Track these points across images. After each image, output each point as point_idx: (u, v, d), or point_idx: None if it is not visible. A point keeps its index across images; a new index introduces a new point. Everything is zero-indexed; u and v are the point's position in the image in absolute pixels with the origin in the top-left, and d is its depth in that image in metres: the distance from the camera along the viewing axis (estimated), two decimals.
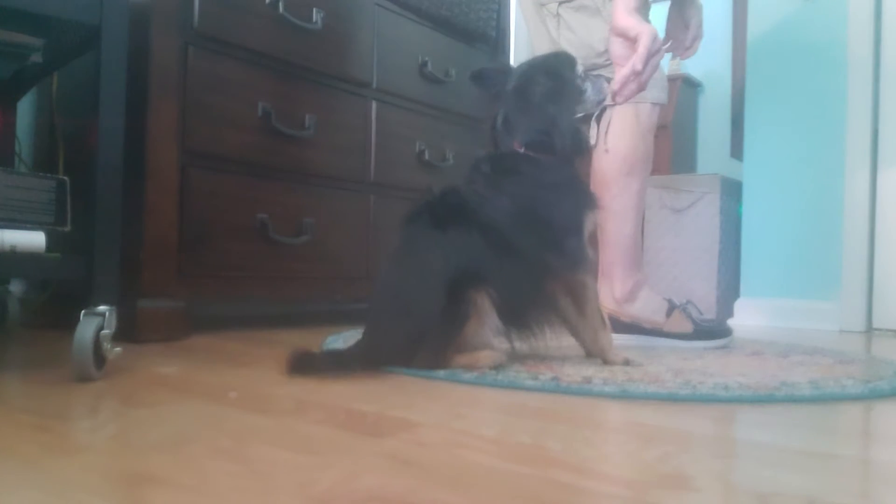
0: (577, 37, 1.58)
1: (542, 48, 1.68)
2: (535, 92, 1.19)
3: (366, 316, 1.16)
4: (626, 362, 1.16)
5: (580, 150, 1.23)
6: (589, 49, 1.56)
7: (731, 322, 2.45)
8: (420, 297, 1.07)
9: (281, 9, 1.60)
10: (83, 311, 0.94)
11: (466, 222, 1.10)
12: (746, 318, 2.46)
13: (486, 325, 1.07)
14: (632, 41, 1.24)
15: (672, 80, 3.32)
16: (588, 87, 1.26)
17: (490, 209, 1.12)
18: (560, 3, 1.58)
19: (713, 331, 1.54)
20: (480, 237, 1.09)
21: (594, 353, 1.20)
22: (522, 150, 1.18)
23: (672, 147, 3.21)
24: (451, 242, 1.08)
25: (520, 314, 1.14)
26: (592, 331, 1.18)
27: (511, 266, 1.10)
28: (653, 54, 1.23)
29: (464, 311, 1.05)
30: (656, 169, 2.84)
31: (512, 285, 1.10)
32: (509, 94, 1.21)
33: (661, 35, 1.45)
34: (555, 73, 1.21)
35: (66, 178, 1.13)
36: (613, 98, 1.30)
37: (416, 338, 1.07)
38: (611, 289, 1.54)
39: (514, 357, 1.17)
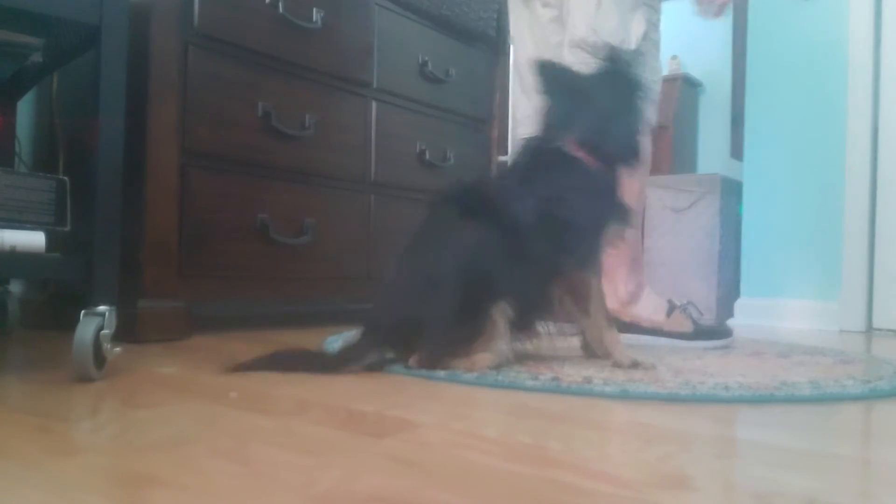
0: (614, 23, 1.52)
1: (524, 37, 1.68)
2: (607, 98, 1.19)
3: (377, 299, 1.15)
4: (635, 364, 1.13)
5: (633, 161, 1.22)
6: (621, 41, 1.51)
7: (731, 322, 2.46)
8: (433, 293, 1.05)
9: (281, 9, 1.60)
10: (83, 311, 0.94)
11: (490, 220, 1.09)
12: (746, 318, 2.46)
13: (499, 341, 1.06)
14: None
15: (672, 80, 3.33)
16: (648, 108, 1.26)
17: (516, 209, 1.10)
18: None
19: (714, 331, 1.54)
20: (502, 238, 1.08)
21: (601, 354, 1.19)
22: (572, 146, 1.17)
23: (672, 147, 3.21)
24: (473, 240, 1.07)
25: (529, 319, 1.13)
26: (598, 330, 1.18)
27: (527, 270, 1.09)
28: None
29: (480, 324, 1.04)
30: (657, 169, 2.84)
31: (525, 290, 1.09)
32: (578, 93, 1.21)
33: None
34: (628, 87, 1.22)
35: (66, 178, 1.12)
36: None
37: (420, 334, 1.06)
38: (614, 290, 1.54)
39: (514, 357, 1.17)
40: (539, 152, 1.21)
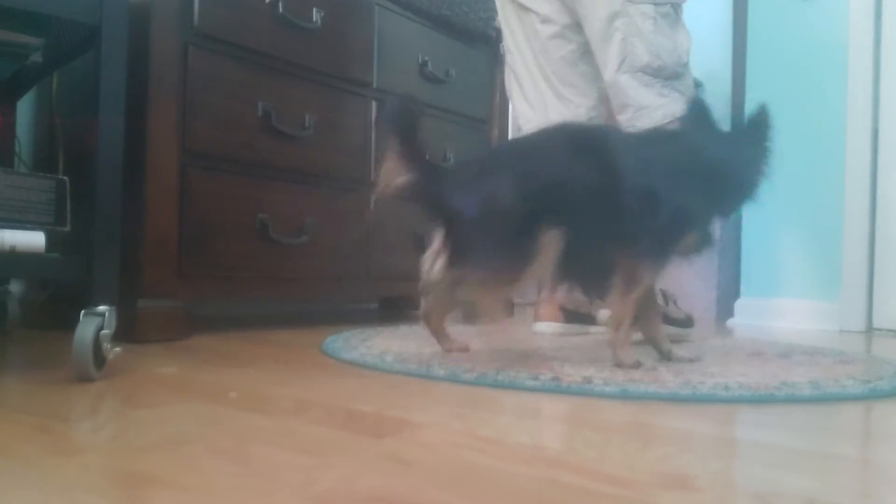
0: (669, 43, 1.57)
1: (522, 49, 1.71)
2: (746, 148, 1.22)
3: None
4: (637, 364, 1.12)
5: (734, 210, 1.26)
6: (677, 57, 1.58)
7: (731, 322, 2.46)
8: (504, 193, 1.04)
9: (281, 9, 1.59)
10: (83, 311, 0.94)
11: (596, 160, 1.09)
12: (746, 318, 2.46)
13: (543, 273, 1.05)
14: None
15: None
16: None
17: (626, 162, 1.10)
18: (656, 5, 1.56)
19: (682, 321, 1.60)
20: (596, 179, 1.07)
21: (609, 341, 1.17)
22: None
23: None
24: (570, 166, 1.07)
25: (576, 269, 1.13)
26: (616, 321, 1.16)
27: (600, 221, 1.08)
28: None
29: (530, 247, 1.03)
30: None
31: (588, 240, 1.08)
32: (718, 131, 1.24)
33: None
34: (764, 152, 1.25)
35: (65, 178, 1.12)
36: None
37: (469, 221, 1.04)
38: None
39: (515, 357, 1.17)
40: (687, 135, 1.22)
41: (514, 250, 1.05)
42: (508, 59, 1.81)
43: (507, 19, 1.77)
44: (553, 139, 1.15)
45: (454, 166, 1.15)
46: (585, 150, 1.11)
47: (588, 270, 1.16)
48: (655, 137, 1.23)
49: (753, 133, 1.24)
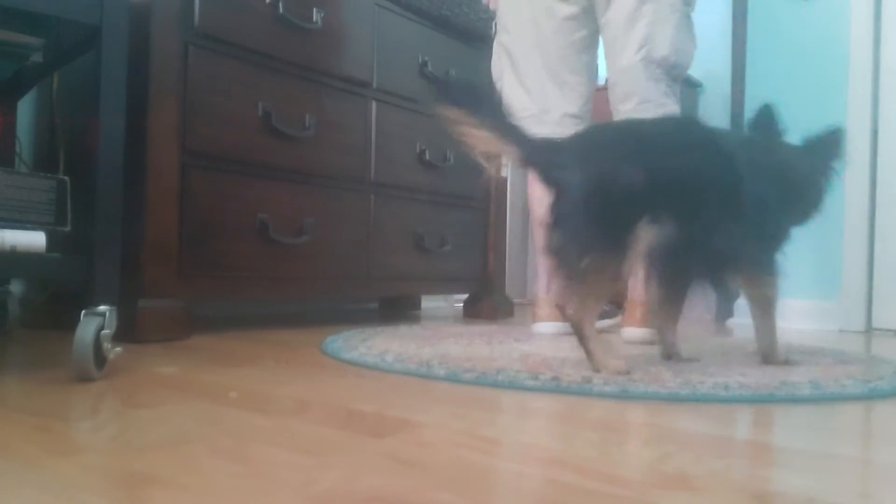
0: (684, 44, 1.58)
1: (524, 29, 1.71)
2: (811, 164, 1.25)
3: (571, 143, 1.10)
4: (787, 361, 1.20)
5: (806, 218, 1.29)
6: (687, 60, 1.60)
7: (730, 322, 2.46)
8: (614, 174, 1.01)
9: (281, 9, 1.60)
10: (83, 311, 0.94)
11: (715, 160, 1.08)
12: (746, 318, 2.45)
13: (631, 268, 1.03)
14: None
15: None
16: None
17: (744, 166, 1.09)
18: (686, 4, 1.57)
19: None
20: (708, 184, 1.06)
21: (760, 351, 1.25)
22: None
23: None
24: (682, 165, 1.05)
25: (671, 267, 1.13)
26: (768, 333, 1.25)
27: (707, 222, 1.07)
28: None
29: (626, 236, 1.00)
30: None
31: (690, 239, 1.05)
32: (785, 144, 1.26)
33: None
34: (828, 170, 1.27)
35: (66, 178, 1.13)
36: None
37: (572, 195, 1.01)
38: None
39: (515, 357, 1.17)
40: (778, 143, 1.23)
41: (614, 240, 1.02)
42: (503, 38, 1.75)
43: None
44: (674, 131, 1.14)
45: (568, 139, 1.11)
46: (708, 148, 1.10)
47: (680, 270, 1.16)
48: (755, 144, 1.22)
49: (826, 150, 1.26)
